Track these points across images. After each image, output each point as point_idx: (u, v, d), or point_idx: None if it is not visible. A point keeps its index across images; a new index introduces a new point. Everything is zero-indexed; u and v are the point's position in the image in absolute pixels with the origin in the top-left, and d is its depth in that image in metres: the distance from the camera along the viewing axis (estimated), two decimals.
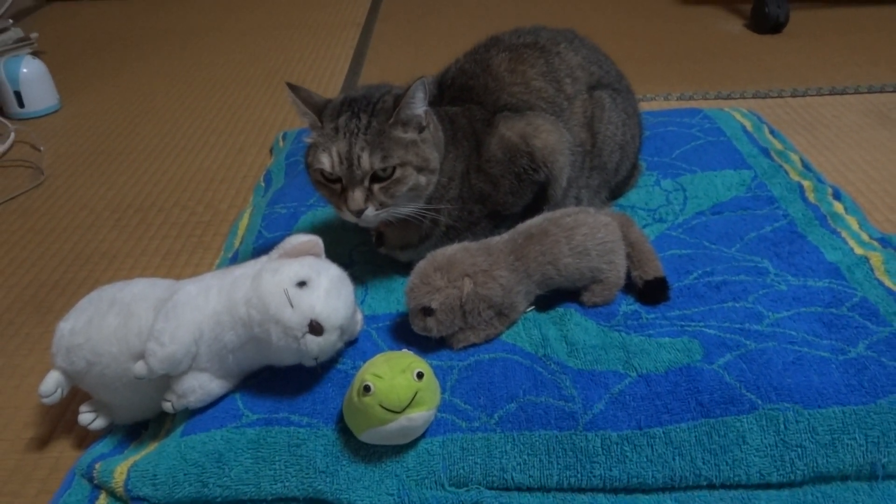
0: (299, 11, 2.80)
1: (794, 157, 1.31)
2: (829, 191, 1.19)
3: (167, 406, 0.84)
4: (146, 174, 1.60)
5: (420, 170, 0.93)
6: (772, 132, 1.44)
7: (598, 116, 1.09)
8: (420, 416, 0.78)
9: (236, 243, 1.23)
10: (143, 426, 0.91)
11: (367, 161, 0.89)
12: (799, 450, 0.77)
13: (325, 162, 0.91)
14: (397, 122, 0.91)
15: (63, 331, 0.86)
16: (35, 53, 2.05)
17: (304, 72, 2.17)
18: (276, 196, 1.32)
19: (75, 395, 0.95)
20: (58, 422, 0.95)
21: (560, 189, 1.05)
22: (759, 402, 0.80)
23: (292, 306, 0.80)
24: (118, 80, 2.17)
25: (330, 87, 2.02)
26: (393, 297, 1.02)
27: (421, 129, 0.93)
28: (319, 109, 0.94)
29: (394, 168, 0.91)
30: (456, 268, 0.88)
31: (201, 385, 0.83)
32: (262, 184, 1.44)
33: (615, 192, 1.19)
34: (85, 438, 0.92)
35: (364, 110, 0.92)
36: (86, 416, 0.88)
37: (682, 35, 2.28)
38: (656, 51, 2.16)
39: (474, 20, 2.55)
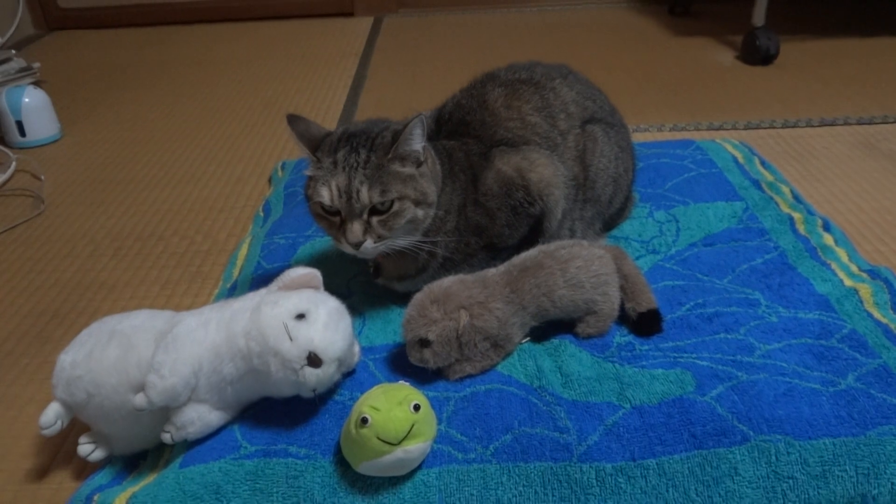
0: (298, 42, 2.84)
1: (785, 189, 1.34)
2: (819, 222, 1.21)
3: (166, 437, 0.85)
4: (145, 203, 1.62)
5: (418, 203, 0.95)
6: (763, 164, 1.46)
7: (590, 149, 1.11)
8: (417, 447, 0.79)
9: (235, 273, 1.24)
10: (141, 457, 0.91)
11: (365, 195, 0.91)
12: (790, 481, 0.78)
13: (325, 195, 0.92)
14: (395, 157, 0.93)
15: (63, 363, 0.87)
16: (37, 83, 2.07)
17: (302, 102, 2.20)
18: (275, 226, 1.33)
19: (74, 426, 0.95)
20: (56, 452, 0.95)
21: (555, 221, 1.07)
22: (751, 433, 0.81)
23: (291, 339, 0.81)
24: (119, 110, 2.20)
25: (328, 117, 2.05)
26: (390, 328, 1.03)
27: (419, 164, 0.95)
28: (317, 144, 0.96)
29: (392, 202, 0.93)
30: (452, 300, 0.90)
31: (200, 416, 0.84)
32: (261, 213, 1.46)
33: (609, 223, 1.21)
34: (84, 469, 0.92)
35: (363, 145, 0.94)
36: (85, 448, 0.89)
37: (674, 66, 2.32)
38: (649, 82, 2.20)
39: (469, 52, 2.59)
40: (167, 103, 2.24)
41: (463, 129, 1.07)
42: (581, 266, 0.95)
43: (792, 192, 1.33)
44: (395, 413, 0.78)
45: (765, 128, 1.84)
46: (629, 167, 1.19)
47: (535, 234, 1.07)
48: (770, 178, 1.39)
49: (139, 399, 0.81)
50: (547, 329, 0.98)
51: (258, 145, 1.90)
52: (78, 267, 1.38)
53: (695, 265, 1.12)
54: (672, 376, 0.89)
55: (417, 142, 0.94)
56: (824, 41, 2.47)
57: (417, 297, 0.92)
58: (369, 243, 0.93)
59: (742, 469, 0.79)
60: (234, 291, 1.17)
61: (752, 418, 0.82)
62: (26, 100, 1.91)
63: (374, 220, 0.93)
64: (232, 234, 1.46)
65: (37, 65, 2.26)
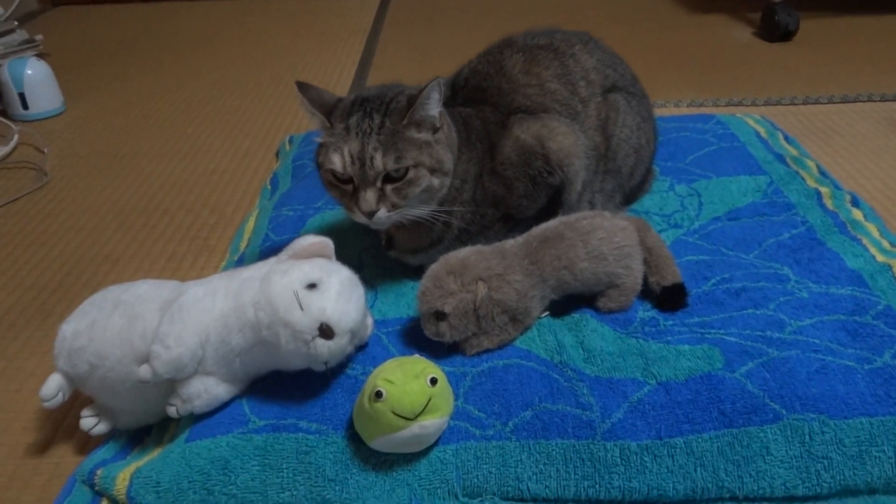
0: (305, 18, 2.79)
1: (811, 164, 1.29)
2: (848, 198, 1.17)
3: (171, 411, 0.81)
4: (150, 177, 1.58)
5: (433, 171, 0.91)
6: (786, 139, 1.42)
7: (612, 119, 1.07)
8: (433, 423, 0.75)
9: (242, 246, 1.21)
10: (146, 431, 0.88)
11: (380, 161, 0.87)
12: (825, 461, 0.74)
13: (337, 162, 0.88)
14: (411, 122, 0.89)
15: (65, 333, 0.83)
16: (40, 56, 2.03)
17: (310, 78, 2.15)
18: (283, 199, 1.30)
19: (76, 399, 0.92)
20: (58, 426, 0.92)
21: (575, 193, 1.03)
22: (784, 411, 0.77)
23: (302, 309, 0.77)
24: (123, 84, 2.16)
25: (336, 93, 2.00)
26: (403, 301, 1.00)
27: (435, 130, 0.91)
28: (329, 109, 0.92)
29: (407, 169, 0.89)
30: (469, 271, 0.86)
31: (207, 389, 0.81)
32: (269, 187, 1.42)
33: (629, 196, 1.17)
34: (86, 444, 0.89)
35: (377, 110, 0.90)
36: (87, 421, 0.85)
37: (691, 43, 2.27)
38: (665, 58, 2.14)
39: (480, 27, 2.54)
40: (173, 79, 2.20)
41: (479, 96, 1.03)
42: (603, 237, 0.91)
43: (817, 166, 1.29)
44: (411, 386, 0.74)
45: (785, 104, 1.79)
46: (651, 138, 1.15)
47: (553, 206, 1.03)
48: (794, 152, 1.35)
49: (144, 371, 0.78)
50: (566, 303, 0.95)
51: (265, 120, 1.86)
52: (81, 240, 1.35)
53: (719, 239, 1.08)
54: (699, 352, 0.85)
55: (434, 107, 0.89)
56: (844, 18, 2.41)
57: (433, 268, 0.88)
58: (383, 212, 0.89)
59: (774, 448, 0.75)
60: (241, 264, 1.13)
61: (784, 396, 0.78)
62: (29, 72, 1.87)
63: (389, 188, 0.89)
64: (239, 208, 1.43)
65: (39, 37, 2.21)
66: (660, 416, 0.79)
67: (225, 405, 0.83)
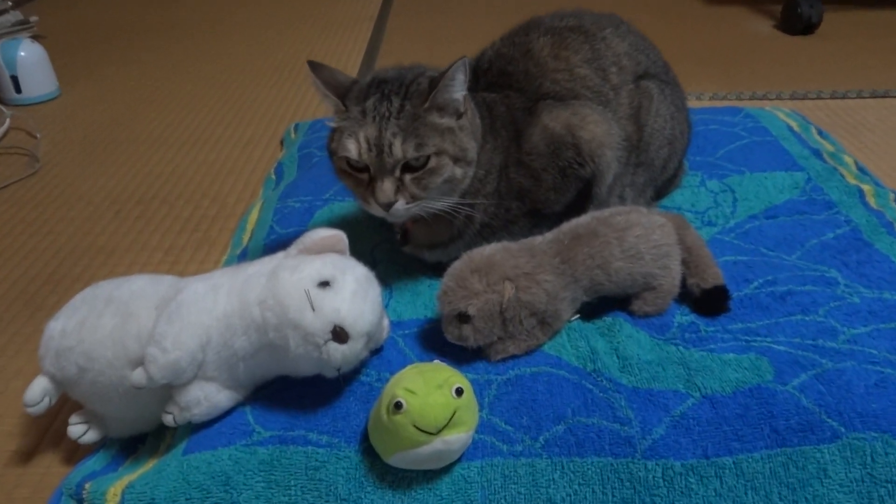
0: (309, 5, 2.70)
1: (848, 160, 1.22)
2: (892, 196, 1.10)
3: (168, 419, 0.74)
4: (148, 165, 1.50)
5: (457, 160, 0.83)
6: (820, 133, 1.34)
7: (645, 108, 0.99)
8: (458, 438, 0.68)
9: (245, 239, 1.13)
10: (139, 440, 0.81)
11: (399, 148, 0.80)
12: (889, 486, 0.68)
13: (352, 148, 0.81)
14: (433, 106, 0.82)
15: (53, 331, 0.76)
16: (34, 38, 1.95)
17: None
18: (289, 189, 1.22)
19: (64, 403, 0.85)
20: (44, 433, 0.85)
21: (605, 186, 0.95)
22: (843, 429, 0.70)
23: (314, 309, 0.70)
24: (121, 69, 2.08)
25: None
26: (420, 300, 0.92)
27: (459, 116, 0.84)
28: (344, 91, 0.85)
29: (428, 157, 0.81)
30: (496, 270, 0.79)
31: (207, 396, 0.74)
32: (273, 176, 1.34)
33: (660, 191, 1.10)
34: (75, 453, 0.82)
35: (396, 92, 0.82)
36: (76, 429, 0.78)
37: (709, 35, 2.19)
38: (683, 50, 2.07)
39: (489, 14, 2.46)
40: (172, 64, 2.12)
41: (504, 81, 0.96)
42: (640, 235, 0.84)
43: (855, 162, 1.21)
44: (435, 398, 0.67)
45: (812, 98, 1.72)
46: (685, 129, 1.08)
47: (582, 200, 0.95)
48: (830, 147, 1.28)
49: (138, 375, 0.71)
50: (597, 305, 0.87)
51: (268, 108, 1.78)
52: (74, 230, 1.27)
53: (758, 239, 1.01)
54: (746, 362, 0.78)
55: (459, 89, 0.82)
56: (868, 12, 2.33)
57: (456, 265, 0.81)
58: (401, 204, 0.82)
59: (832, 471, 0.68)
60: (244, 258, 1.06)
61: (842, 412, 0.71)
62: (22, 54, 1.79)
63: (408, 177, 0.82)
64: (241, 199, 1.35)
65: (34, 18, 2.13)
66: (706, 432, 0.71)
67: (226, 414, 0.76)
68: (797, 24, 2.13)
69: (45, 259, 1.19)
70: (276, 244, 1.06)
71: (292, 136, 1.51)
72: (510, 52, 0.97)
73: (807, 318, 0.84)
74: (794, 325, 0.83)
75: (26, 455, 0.82)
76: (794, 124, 1.36)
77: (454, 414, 0.67)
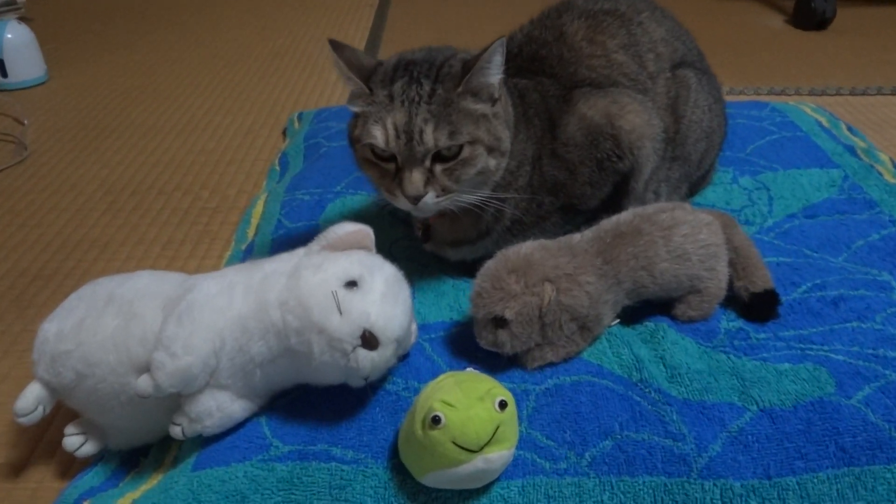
0: None
1: (884, 158, 1.17)
2: None
3: (176, 431, 0.67)
4: (143, 154, 1.43)
5: (491, 150, 0.77)
6: (850, 129, 1.29)
7: (682, 98, 0.93)
8: (500, 456, 0.62)
9: (250, 233, 1.06)
10: (141, 452, 0.74)
11: (430, 136, 0.73)
12: None
13: (378, 136, 0.74)
14: (467, 90, 0.75)
15: (47, 333, 0.69)
16: (22, 19, 1.86)
17: (316, 53, 2.00)
18: (296, 181, 1.15)
19: (59, 410, 0.77)
20: (36, 443, 0.78)
21: (643, 181, 0.89)
22: None
23: (341, 312, 0.63)
24: (113, 54, 1.99)
25: None
26: (444, 301, 0.86)
27: (493, 102, 0.77)
28: (368, 73, 0.78)
29: (461, 146, 0.74)
30: (535, 270, 0.72)
31: (220, 407, 0.67)
32: (277, 168, 1.27)
33: (693, 188, 1.04)
34: (70, 466, 0.75)
35: (426, 75, 0.75)
36: (72, 440, 0.71)
37: (720, 30, 2.13)
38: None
39: (499, 2, 2.40)
40: (167, 48, 2.04)
41: (536, 66, 0.89)
42: (687, 234, 0.77)
43: (892, 160, 1.16)
44: (476, 411, 0.61)
45: (831, 94, 1.67)
46: (722, 122, 1.02)
47: (618, 196, 0.89)
48: (863, 144, 1.22)
49: (144, 383, 0.64)
50: (638, 310, 0.81)
51: (269, 96, 1.70)
52: (65, 222, 1.20)
53: (799, 239, 0.95)
54: (803, 373, 0.72)
55: (496, 73, 0.75)
56: (882, 8, 2.28)
57: (490, 265, 0.74)
58: (430, 197, 0.75)
59: None
60: (250, 254, 0.99)
61: None
62: (8, 36, 1.71)
63: (438, 168, 0.75)
64: (243, 190, 1.28)
65: None
66: (766, 449, 0.66)
67: (240, 426, 0.69)
68: (811, 19, 2.09)
69: (34, 252, 1.11)
70: (285, 239, 1.00)
71: (296, 125, 1.44)
72: (542, 35, 0.90)
73: (864, 326, 0.78)
74: (850, 332, 0.77)
75: (16, 468, 0.75)
76: (822, 120, 1.31)
77: (497, 429, 0.61)
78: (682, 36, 0.99)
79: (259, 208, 1.13)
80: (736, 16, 2.26)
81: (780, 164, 1.13)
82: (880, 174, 1.11)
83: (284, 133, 1.47)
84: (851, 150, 1.18)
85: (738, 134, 1.23)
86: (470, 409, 0.61)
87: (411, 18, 2.29)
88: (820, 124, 1.28)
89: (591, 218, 0.89)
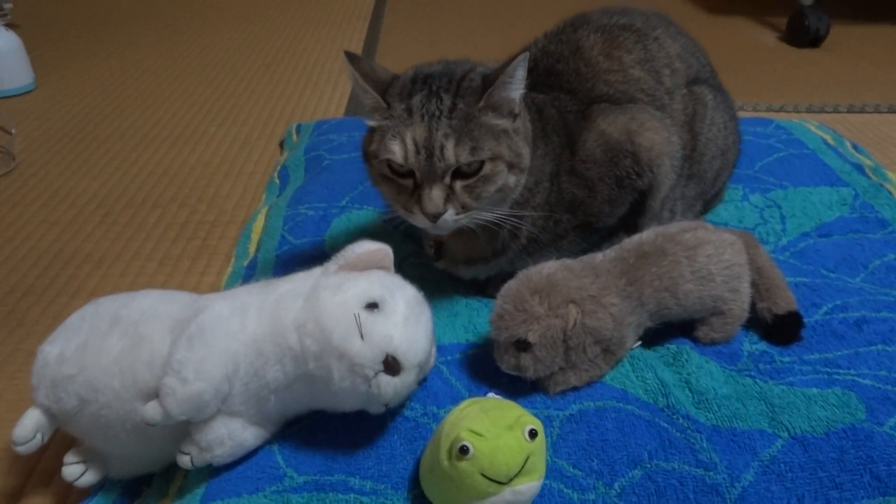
0: (300, 1, 2.60)
1: (893, 177, 1.16)
2: None
3: (185, 461, 0.63)
4: (136, 164, 1.39)
5: (511, 166, 0.74)
6: (855, 147, 1.28)
7: (699, 115, 0.92)
8: (529, 487, 0.59)
9: (251, 249, 1.03)
10: (144, 481, 0.70)
11: (451, 152, 0.70)
12: None
13: (397, 151, 0.71)
14: (488, 105, 0.73)
15: (48, 357, 0.65)
16: (9, 26, 1.82)
17: (309, 63, 1.97)
18: (299, 195, 1.12)
19: (55, 436, 0.73)
20: (31, 470, 0.74)
21: (660, 199, 0.87)
22: None
23: (362, 337, 0.60)
24: (103, 62, 1.95)
25: (340, 83, 1.83)
26: (458, 322, 0.83)
27: (514, 117, 0.75)
28: (385, 86, 0.75)
29: (482, 162, 0.72)
30: (558, 291, 0.70)
31: (232, 434, 0.63)
32: (277, 181, 1.24)
33: (705, 206, 1.02)
34: (68, 495, 0.71)
35: (446, 89, 0.73)
36: (72, 469, 0.67)
37: (713, 46, 2.10)
38: None
39: (489, 10, 2.38)
40: (158, 57, 2.00)
41: (552, 81, 0.87)
42: (711, 254, 0.75)
43: None
44: (506, 441, 0.58)
45: (828, 112, 1.67)
46: (736, 140, 1.00)
47: (634, 214, 0.87)
48: (869, 162, 1.22)
49: (152, 410, 0.60)
50: (658, 332, 0.79)
51: (264, 107, 1.67)
52: (56, 235, 1.16)
53: (815, 259, 0.94)
54: (832, 398, 0.70)
55: (518, 87, 0.73)
56: (876, 26, 2.30)
57: (512, 286, 0.72)
58: (450, 215, 0.73)
59: None
60: (253, 270, 0.96)
61: None
62: None
63: (459, 184, 0.72)
64: (241, 204, 1.25)
65: (9, 5, 1.99)
66: (799, 479, 0.64)
67: (252, 454, 0.66)
68: (804, 36, 2.10)
69: (24, 267, 1.07)
70: (290, 256, 0.96)
71: (294, 137, 1.41)
72: (558, 49, 0.88)
73: (889, 349, 0.76)
74: (876, 356, 0.76)
75: (9, 497, 0.71)
76: (827, 137, 1.30)
77: (527, 460, 0.58)
78: (697, 52, 0.97)
79: (259, 223, 1.09)
80: (729, 32, 2.26)
81: (790, 181, 1.12)
82: (890, 193, 1.10)
83: (281, 145, 1.44)
84: (860, 168, 1.17)
85: (746, 151, 1.21)
86: (499, 438, 0.58)
87: (405, 29, 2.27)
88: (825, 142, 1.28)
89: (607, 237, 0.88)
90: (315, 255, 0.95)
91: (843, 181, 1.12)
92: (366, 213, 1.05)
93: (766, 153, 1.22)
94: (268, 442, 0.67)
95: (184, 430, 0.64)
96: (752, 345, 0.78)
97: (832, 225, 1.02)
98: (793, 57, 2.06)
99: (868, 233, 1.00)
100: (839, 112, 1.67)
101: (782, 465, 0.64)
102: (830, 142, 1.28)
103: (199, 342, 0.62)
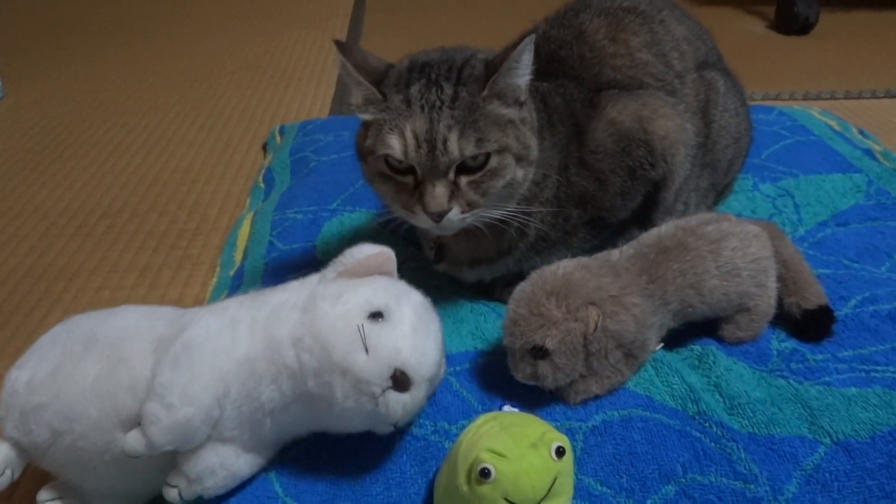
0: (277, 1, 2.54)
1: None
2: None
3: (172, 495, 0.57)
4: (111, 173, 1.32)
5: (519, 159, 0.69)
6: (862, 133, 1.24)
7: (712, 101, 0.87)
8: None
9: (238, 257, 0.97)
10: None
11: (455, 145, 0.65)
12: None
13: (396, 145, 0.65)
14: (492, 93, 0.67)
15: (16, 384, 0.58)
16: None
17: (290, 63, 1.91)
18: (286, 199, 1.06)
19: (27, 471, 0.67)
20: None
21: (674, 191, 0.82)
22: None
23: (367, 350, 0.54)
24: (73, 69, 1.87)
25: (323, 82, 1.76)
26: (464, 329, 0.77)
27: (520, 106, 0.69)
28: (379, 76, 0.69)
29: (488, 155, 0.66)
30: (576, 293, 0.64)
31: (224, 463, 0.57)
32: (262, 185, 1.18)
33: (717, 197, 0.97)
34: None
35: (446, 77, 0.67)
36: None
37: None
38: None
39: (471, 9, 2.33)
40: (132, 63, 1.92)
41: (555, 68, 0.82)
42: (736, 248, 0.70)
43: None
44: (531, 461, 0.52)
45: (825, 98, 1.63)
46: (748, 127, 0.96)
47: (647, 208, 0.82)
48: (878, 147, 1.18)
49: (133, 439, 0.54)
50: (680, 332, 0.73)
51: (245, 109, 1.61)
52: (27, 250, 1.08)
53: (836, 249, 0.89)
54: (873, 398, 0.65)
55: (524, 73, 0.68)
56: (864, 13, 2.27)
57: (525, 288, 0.66)
58: (455, 213, 0.67)
59: None
60: (240, 280, 0.90)
61: None
62: None
63: (464, 180, 0.67)
64: (224, 210, 1.18)
65: None
66: (846, 488, 0.59)
67: (247, 483, 0.60)
68: (793, 23, 2.06)
69: None
70: (279, 263, 0.90)
71: (277, 139, 1.34)
72: (561, 34, 0.83)
73: None
74: None
75: None
76: (833, 123, 1.26)
77: (555, 481, 0.52)
78: (703, 35, 0.93)
79: (245, 229, 1.03)
80: (717, 22, 2.21)
81: (800, 169, 1.08)
82: None
83: (265, 148, 1.38)
84: (870, 153, 1.13)
85: (753, 139, 1.18)
86: (523, 458, 0.52)
87: (387, 27, 2.21)
88: (831, 128, 1.24)
89: (618, 232, 0.82)
90: (306, 262, 0.89)
91: (855, 167, 1.08)
92: (359, 216, 0.99)
93: (773, 141, 1.17)
94: (264, 469, 0.61)
95: (170, 460, 0.57)
96: (781, 343, 0.73)
97: (848, 213, 0.97)
98: (784, 45, 2.02)
99: (888, 220, 0.95)
100: (836, 98, 1.63)
101: (827, 475, 0.59)
102: (836, 127, 1.24)
103: (185, 362, 0.55)
